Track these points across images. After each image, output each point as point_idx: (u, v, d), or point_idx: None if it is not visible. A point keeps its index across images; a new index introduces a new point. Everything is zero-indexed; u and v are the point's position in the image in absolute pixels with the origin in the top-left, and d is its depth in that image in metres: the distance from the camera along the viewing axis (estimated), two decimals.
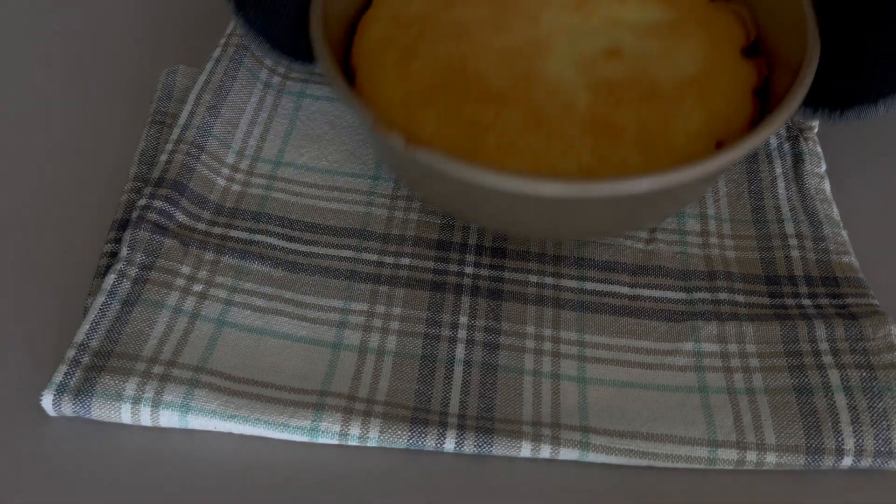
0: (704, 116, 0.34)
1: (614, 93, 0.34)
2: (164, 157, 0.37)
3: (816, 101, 0.36)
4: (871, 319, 0.33)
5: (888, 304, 0.36)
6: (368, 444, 0.31)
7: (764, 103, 0.36)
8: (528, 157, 0.32)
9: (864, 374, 0.32)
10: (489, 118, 0.33)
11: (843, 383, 0.32)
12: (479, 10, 0.37)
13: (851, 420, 0.31)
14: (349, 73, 0.38)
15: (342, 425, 0.30)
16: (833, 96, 0.35)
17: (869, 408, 0.31)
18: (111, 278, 0.33)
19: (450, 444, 0.30)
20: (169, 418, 0.30)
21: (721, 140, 0.34)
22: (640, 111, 0.33)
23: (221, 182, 0.38)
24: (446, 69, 0.35)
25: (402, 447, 0.31)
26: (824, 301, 0.35)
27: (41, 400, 0.30)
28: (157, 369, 0.31)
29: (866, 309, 0.34)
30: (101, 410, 0.30)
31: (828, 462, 0.30)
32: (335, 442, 0.30)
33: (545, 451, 0.30)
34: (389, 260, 0.36)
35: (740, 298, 0.35)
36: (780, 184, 0.39)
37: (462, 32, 0.36)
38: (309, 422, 0.30)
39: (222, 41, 0.42)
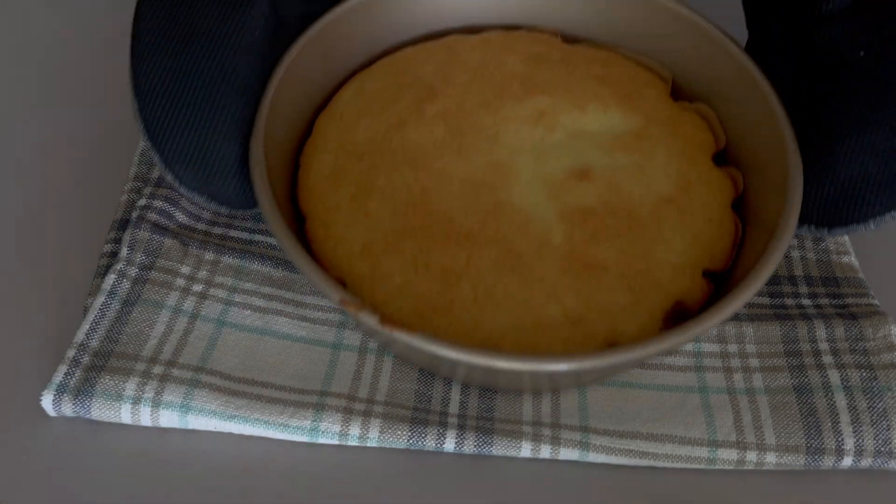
0: (687, 242, 0.32)
1: (589, 223, 0.32)
2: None
3: (801, 218, 0.33)
4: (871, 319, 0.33)
5: (888, 303, 0.36)
6: (368, 445, 0.31)
7: (740, 209, 0.35)
8: (509, 306, 0.30)
9: (864, 374, 0.32)
10: (461, 264, 0.31)
11: (843, 383, 0.32)
12: (434, 131, 0.34)
13: (851, 420, 0.31)
14: (298, 216, 0.34)
15: (342, 425, 0.30)
16: (818, 213, 0.33)
17: (869, 408, 0.31)
18: (111, 278, 0.33)
19: (450, 445, 0.30)
20: (169, 418, 0.30)
21: (707, 269, 0.32)
22: (619, 243, 0.31)
23: None
24: (408, 206, 0.32)
25: (402, 447, 0.31)
26: (824, 301, 0.35)
27: (41, 400, 0.30)
28: (157, 369, 0.31)
29: (866, 309, 0.34)
30: (101, 410, 0.30)
31: (828, 462, 0.30)
32: (335, 442, 0.31)
33: (545, 452, 0.30)
34: None
35: None
36: None
37: (419, 160, 0.33)
38: (309, 422, 0.30)
39: None
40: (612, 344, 0.30)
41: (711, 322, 0.28)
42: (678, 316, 0.32)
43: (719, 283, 0.33)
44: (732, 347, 0.33)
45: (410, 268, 0.31)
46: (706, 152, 0.35)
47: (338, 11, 0.37)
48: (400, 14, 0.39)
